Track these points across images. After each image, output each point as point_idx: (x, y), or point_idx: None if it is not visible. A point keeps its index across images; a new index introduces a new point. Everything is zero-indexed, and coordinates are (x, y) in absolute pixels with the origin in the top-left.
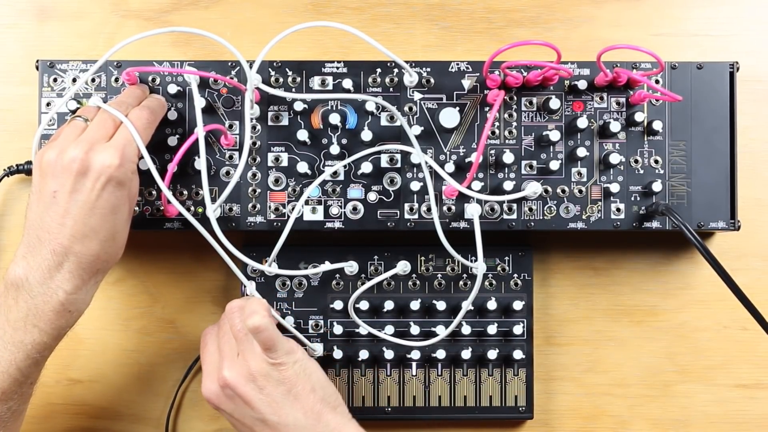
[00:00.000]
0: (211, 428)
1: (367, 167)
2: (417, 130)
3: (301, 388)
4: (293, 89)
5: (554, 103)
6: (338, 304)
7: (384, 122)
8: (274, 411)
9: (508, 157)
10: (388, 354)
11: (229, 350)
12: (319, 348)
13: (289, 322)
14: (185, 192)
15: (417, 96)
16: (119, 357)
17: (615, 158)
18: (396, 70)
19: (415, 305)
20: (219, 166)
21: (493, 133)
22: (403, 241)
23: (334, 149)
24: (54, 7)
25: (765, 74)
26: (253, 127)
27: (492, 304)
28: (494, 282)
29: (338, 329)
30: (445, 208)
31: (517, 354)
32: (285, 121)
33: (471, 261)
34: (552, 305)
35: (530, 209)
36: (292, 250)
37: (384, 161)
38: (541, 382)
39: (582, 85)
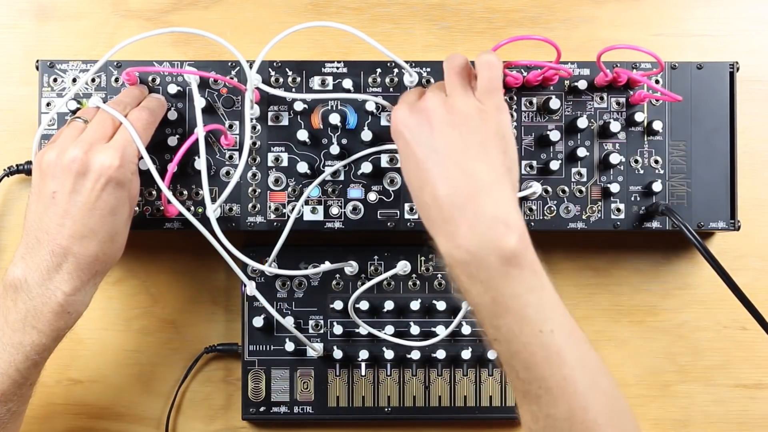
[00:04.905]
0: (211, 428)
1: (367, 167)
2: None
3: (493, 145)
4: (293, 89)
5: (554, 103)
6: (338, 304)
7: (384, 122)
8: (460, 149)
9: None
10: (388, 354)
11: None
12: (319, 348)
13: (289, 322)
14: (185, 192)
15: None
16: (119, 357)
17: (615, 158)
18: (396, 70)
19: (415, 305)
20: (219, 166)
21: None
22: (403, 241)
23: (334, 149)
24: (54, 7)
25: (765, 74)
26: (253, 127)
27: None
28: None
29: (338, 329)
30: None
31: None
32: (285, 121)
33: None
34: None
35: (530, 209)
36: (292, 250)
37: (384, 161)
38: None
39: (582, 85)
